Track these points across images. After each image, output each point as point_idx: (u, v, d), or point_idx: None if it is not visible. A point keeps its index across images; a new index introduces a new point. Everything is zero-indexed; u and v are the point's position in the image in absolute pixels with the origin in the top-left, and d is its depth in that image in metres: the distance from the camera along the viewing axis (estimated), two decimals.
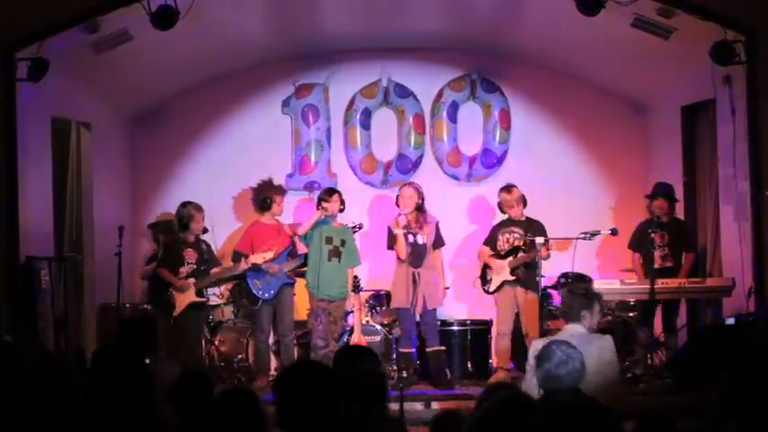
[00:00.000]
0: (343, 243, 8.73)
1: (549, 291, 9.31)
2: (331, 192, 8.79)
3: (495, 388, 4.50)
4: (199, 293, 8.70)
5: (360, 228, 8.98)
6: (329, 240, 8.69)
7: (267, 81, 10.51)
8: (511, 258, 8.72)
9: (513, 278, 8.71)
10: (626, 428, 3.74)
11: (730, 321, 8.04)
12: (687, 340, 8.57)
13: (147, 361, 4.90)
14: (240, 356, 9.03)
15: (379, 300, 9.34)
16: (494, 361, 9.04)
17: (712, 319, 8.83)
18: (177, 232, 8.77)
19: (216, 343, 9.10)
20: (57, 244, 8.79)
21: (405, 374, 8.68)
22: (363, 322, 8.90)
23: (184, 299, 8.59)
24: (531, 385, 4.99)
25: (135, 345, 5.45)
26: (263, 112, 10.52)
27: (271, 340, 9.03)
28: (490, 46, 10.25)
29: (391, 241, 8.68)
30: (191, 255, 8.70)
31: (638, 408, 5.75)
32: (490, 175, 10.43)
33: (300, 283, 8.94)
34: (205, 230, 9.20)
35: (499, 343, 8.80)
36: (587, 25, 8.26)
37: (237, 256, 8.86)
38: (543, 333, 8.52)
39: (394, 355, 8.91)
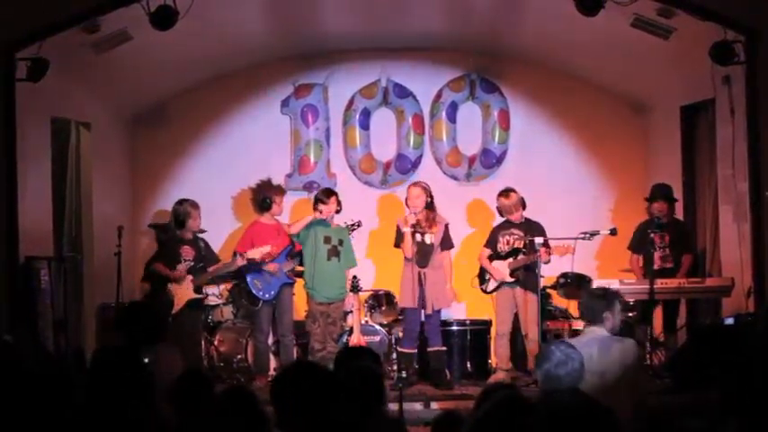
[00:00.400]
0: (341, 243, 8.73)
1: (549, 291, 9.31)
2: (328, 194, 8.76)
3: (494, 388, 4.50)
4: (197, 290, 8.69)
5: (359, 225, 8.94)
6: (327, 240, 8.68)
7: (266, 81, 10.52)
8: (511, 260, 8.72)
9: (513, 279, 8.71)
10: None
11: (730, 321, 8.04)
12: (687, 340, 8.57)
13: (147, 360, 4.90)
14: (239, 357, 9.03)
15: (379, 300, 9.34)
16: (493, 361, 9.04)
17: (712, 319, 8.83)
18: (174, 230, 8.76)
19: (215, 343, 9.10)
20: (56, 244, 8.79)
21: (404, 374, 8.68)
22: (363, 322, 8.90)
23: (182, 296, 8.57)
24: None
25: (136, 334, 5.43)
26: (263, 112, 10.52)
27: (270, 340, 9.02)
28: (490, 46, 10.25)
29: (398, 239, 8.67)
30: (188, 252, 8.69)
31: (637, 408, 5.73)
32: (489, 176, 10.44)
33: (300, 284, 8.94)
34: (202, 231, 9.20)
35: (498, 344, 8.79)
36: (587, 25, 8.26)
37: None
38: (543, 334, 8.54)
39: (394, 355, 8.91)
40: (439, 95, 10.51)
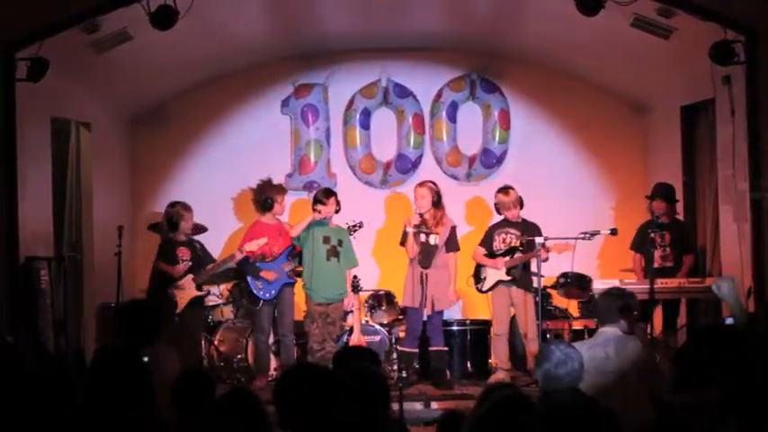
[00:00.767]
0: (340, 243, 8.72)
1: (549, 291, 9.31)
2: (327, 194, 8.75)
3: (494, 388, 4.50)
4: (198, 288, 8.70)
5: (360, 226, 8.93)
6: (326, 240, 8.67)
7: (267, 81, 10.52)
8: (507, 258, 8.72)
9: (509, 278, 8.70)
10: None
11: (730, 321, 8.03)
12: (687, 340, 8.56)
13: (146, 359, 4.89)
14: (240, 356, 9.02)
15: (379, 299, 9.34)
16: (493, 361, 9.04)
17: (712, 319, 8.83)
18: (167, 232, 8.76)
19: (215, 343, 9.09)
20: (56, 244, 8.79)
21: (405, 374, 8.68)
22: (363, 322, 8.90)
23: (185, 296, 8.59)
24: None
25: (135, 334, 5.44)
26: (263, 112, 10.53)
27: (270, 340, 9.02)
28: (490, 46, 10.25)
29: (403, 239, 8.68)
30: (184, 252, 8.69)
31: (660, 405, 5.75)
32: (490, 176, 10.44)
33: (300, 284, 8.93)
34: (204, 229, 9.20)
35: (497, 344, 8.78)
36: (587, 25, 8.26)
37: None
38: (543, 333, 8.54)
39: (394, 355, 8.91)
40: (439, 95, 10.51)
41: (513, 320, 8.88)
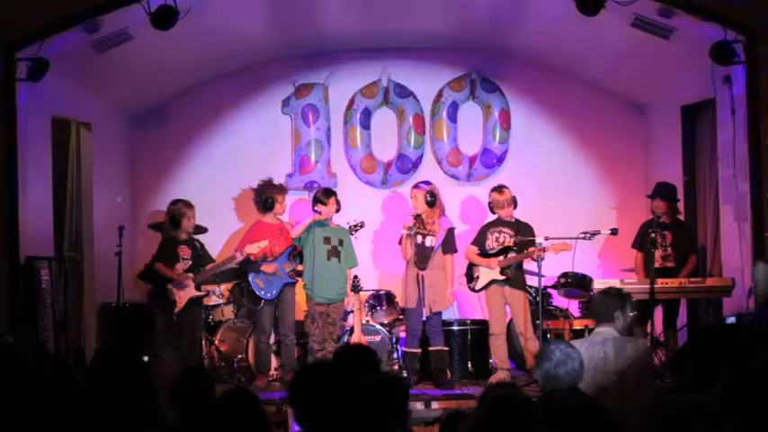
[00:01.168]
0: (341, 243, 8.73)
1: (549, 290, 9.31)
2: (327, 194, 8.77)
3: (494, 388, 4.50)
4: (197, 288, 8.71)
5: (361, 226, 8.94)
6: (327, 240, 8.68)
7: (267, 81, 10.51)
8: (501, 258, 8.71)
9: (503, 278, 8.70)
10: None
11: (731, 321, 8.04)
12: (687, 340, 8.57)
13: (146, 359, 4.90)
14: (240, 356, 9.02)
15: (379, 300, 9.34)
16: (493, 361, 9.03)
17: (712, 319, 8.83)
18: (169, 230, 8.77)
19: (216, 343, 9.09)
20: (56, 244, 8.79)
21: (405, 374, 8.69)
22: (363, 322, 8.90)
23: (184, 295, 8.59)
24: None
25: (130, 342, 5.44)
26: (263, 112, 10.53)
27: (271, 340, 9.02)
28: (490, 46, 10.25)
29: (400, 240, 8.71)
30: (185, 251, 8.71)
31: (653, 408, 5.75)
32: (490, 175, 10.43)
33: (301, 284, 8.94)
34: (204, 230, 9.19)
35: (494, 344, 8.78)
36: (587, 25, 8.26)
37: None
38: (542, 333, 8.54)
39: (395, 355, 8.91)
40: (439, 95, 10.51)
41: (511, 320, 8.89)
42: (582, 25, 8.32)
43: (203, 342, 9.00)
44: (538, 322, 8.49)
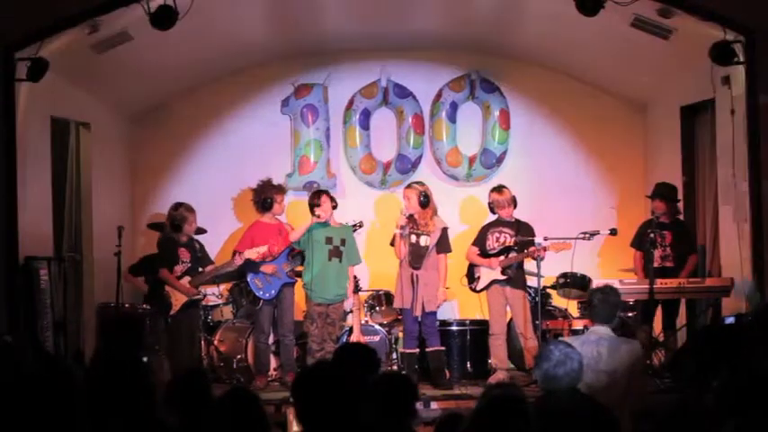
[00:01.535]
0: (343, 242, 8.72)
1: (549, 291, 9.31)
2: (318, 194, 8.77)
3: (493, 388, 4.50)
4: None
5: (360, 226, 8.95)
6: (329, 240, 8.67)
7: (267, 81, 10.52)
8: (502, 258, 8.71)
9: (504, 278, 8.70)
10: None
11: (730, 321, 8.04)
12: (687, 340, 8.57)
13: (145, 359, 4.90)
14: (239, 356, 9.02)
15: (379, 300, 9.34)
16: (492, 361, 9.03)
17: (712, 319, 8.83)
18: (170, 233, 8.76)
19: (215, 343, 9.09)
20: (56, 244, 8.79)
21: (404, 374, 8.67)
22: (363, 322, 8.90)
23: (181, 297, 8.59)
24: None
25: (123, 343, 5.44)
26: (263, 112, 10.53)
27: (270, 340, 9.02)
28: (490, 46, 10.25)
29: (392, 240, 8.69)
30: (184, 254, 8.70)
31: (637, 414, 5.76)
32: (489, 176, 10.43)
33: (300, 284, 8.93)
34: (203, 231, 9.19)
35: (494, 344, 8.77)
36: (587, 25, 8.26)
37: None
38: (543, 333, 8.54)
39: (394, 355, 8.91)
40: (439, 95, 10.50)
41: (511, 320, 8.88)
42: (582, 25, 8.32)
43: (202, 342, 8.99)
44: (537, 322, 8.49)
